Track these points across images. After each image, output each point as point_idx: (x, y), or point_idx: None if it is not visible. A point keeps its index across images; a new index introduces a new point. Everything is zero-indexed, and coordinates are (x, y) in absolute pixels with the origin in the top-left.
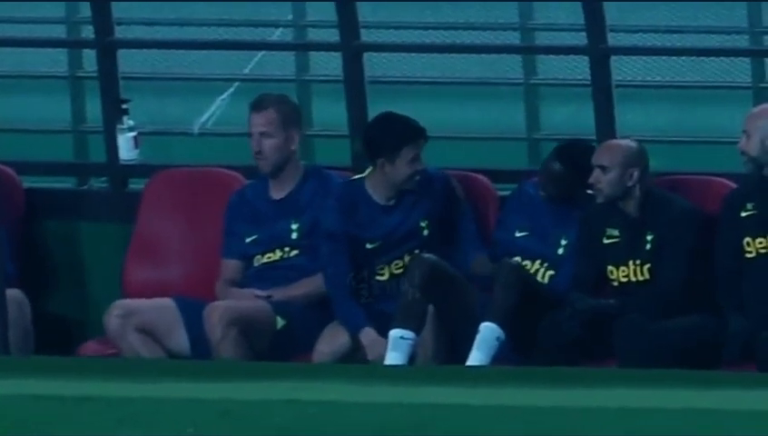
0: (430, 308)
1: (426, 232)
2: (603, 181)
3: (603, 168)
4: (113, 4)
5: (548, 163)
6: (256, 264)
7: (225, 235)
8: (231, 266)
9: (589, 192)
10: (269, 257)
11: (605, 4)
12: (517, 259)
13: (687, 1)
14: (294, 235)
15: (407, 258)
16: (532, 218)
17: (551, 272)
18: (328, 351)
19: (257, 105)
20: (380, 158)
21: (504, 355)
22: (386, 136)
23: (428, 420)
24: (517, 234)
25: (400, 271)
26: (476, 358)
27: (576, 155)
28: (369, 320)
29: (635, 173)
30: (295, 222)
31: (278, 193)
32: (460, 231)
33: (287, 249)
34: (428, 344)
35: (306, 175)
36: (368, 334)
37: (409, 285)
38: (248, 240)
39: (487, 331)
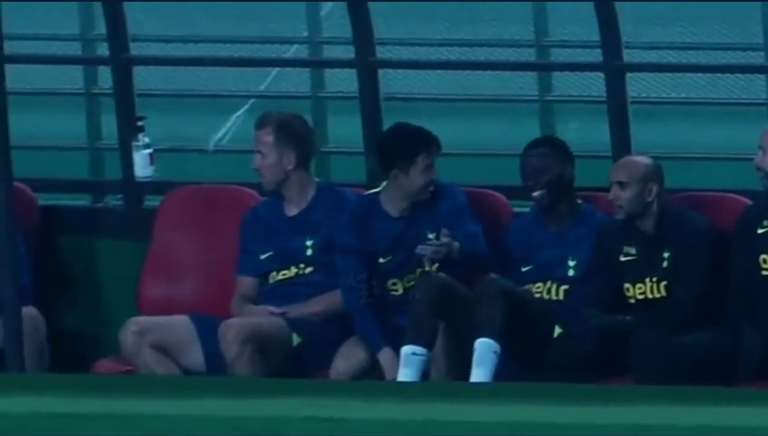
0: (441, 324)
1: None
2: (622, 197)
3: (621, 184)
4: (128, 20)
5: (525, 160)
6: (271, 281)
7: (240, 252)
8: (246, 283)
9: (579, 202)
10: (284, 274)
11: (620, 20)
12: (529, 286)
13: (702, 4)
14: (309, 252)
15: (418, 271)
16: (533, 250)
17: (565, 287)
18: (344, 369)
19: (257, 123)
20: (394, 169)
21: (508, 371)
22: (399, 146)
23: None
24: (523, 269)
25: (412, 283)
26: (478, 375)
27: (544, 141)
28: (386, 335)
29: (654, 189)
30: (310, 239)
31: (291, 209)
32: (464, 235)
33: (302, 266)
34: (441, 360)
35: (320, 192)
36: (386, 354)
37: (419, 301)
38: (263, 257)
39: (483, 347)
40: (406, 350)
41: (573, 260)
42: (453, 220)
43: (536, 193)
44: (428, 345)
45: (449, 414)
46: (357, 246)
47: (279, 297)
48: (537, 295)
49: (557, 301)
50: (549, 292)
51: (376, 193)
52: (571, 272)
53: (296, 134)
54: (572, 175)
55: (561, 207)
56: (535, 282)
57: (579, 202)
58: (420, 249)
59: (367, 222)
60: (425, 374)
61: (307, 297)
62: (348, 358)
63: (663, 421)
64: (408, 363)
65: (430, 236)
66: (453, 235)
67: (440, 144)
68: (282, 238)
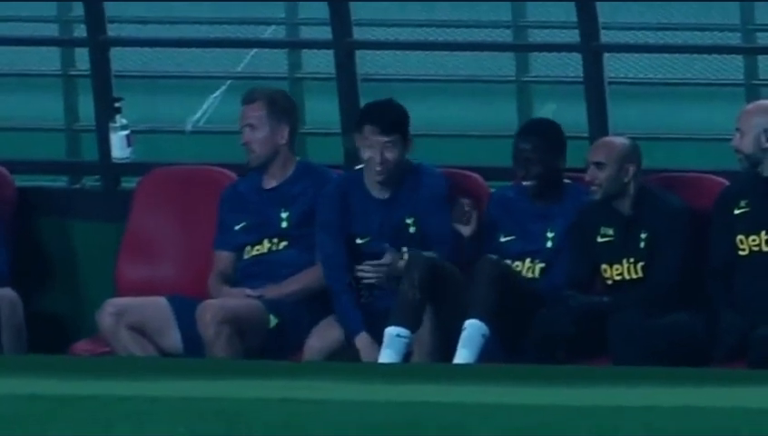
0: (428, 305)
1: (412, 230)
2: (600, 177)
3: (599, 165)
4: (105, 2)
5: (517, 145)
6: (246, 257)
7: (218, 227)
8: (223, 258)
9: (566, 181)
10: (258, 249)
11: (597, 1)
12: (507, 261)
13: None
14: (284, 224)
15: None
16: (515, 221)
17: (542, 266)
18: (318, 347)
19: (246, 98)
20: (355, 133)
21: (491, 352)
22: (359, 113)
23: (421, 418)
24: (502, 239)
25: None
26: (462, 356)
27: (539, 129)
28: (366, 318)
29: (632, 169)
30: (285, 211)
31: (269, 183)
32: (434, 227)
33: (275, 240)
34: (425, 342)
35: (299, 169)
36: (363, 339)
37: (410, 286)
38: (237, 227)
39: (472, 329)
40: (390, 331)
41: (551, 232)
42: (428, 210)
43: (526, 183)
44: (413, 328)
45: (430, 396)
46: (337, 223)
47: (254, 276)
48: None
49: (534, 279)
50: (528, 270)
51: (361, 168)
52: (549, 244)
53: (287, 109)
54: (563, 164)
55: (549, 190)
56: (514, 260)
57: (566, 181)
58: (360, 272)
59: (349, 199)
60: (407, 356)
61: (282, 277)
62: (322, 336)
63: (640, 401)
64: (390, 345)
65: (408, 221)
66: (424, 224)
67: (388, 128)
68: (257, 209)
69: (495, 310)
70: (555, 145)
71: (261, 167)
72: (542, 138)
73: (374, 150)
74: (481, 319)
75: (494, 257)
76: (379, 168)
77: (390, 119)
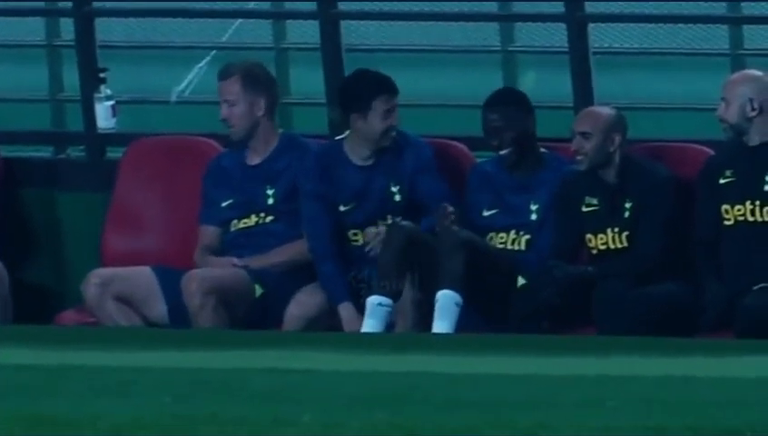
0: (409, 274)
1: (398, 198)
2: (586, 147)
3: (585, 134)
4: None
5: (486, 117)
6: (233, 229)
7: (203, 201)
8: (208, 232)
9: (543, 151)
10: (245, 223)
11: None
12: (492, 235)
13: None
14: (270, 201)
15: (380, 224)
16: (496, 194)
17: (527, 238)
18: (298, 314)
19: (222, 74)
20: (354, 113)
21: (474, 323)
22: (357, 90)
23: (407, 388)
24: (485, 214)
25: None
26: (440, 327)
27: (504, 98)
28: (348, 287)
29: (617, 139)
30: (270, 188)
31: (254, 159)
32: (429, 192)
33: (262, 215)
34: (407, 312)
35: (282, 142)
36: (347, 308)
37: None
38: (224, 204)
39: (445, 299)
40: (372, 300)
41: (535, 204)
42: (416, 175)
43: (502, 152)
44: (395, 296)
45: (416, 366)
46: (320, 192)
47: (240, 247)
48: (501, 245)
49: (520, 251)
50: (513, 242)
51: (341, 139)
52: (533, 217)
53: (262, 81)
54: (533, 128)
55: (526, 160)
56: (498, 233)
57: (542, 150)
58: (368, 237)
59: (331, 168)
60: (390, 325)
61: (269, 247)
62: (302, 304)
63: (626, 371)
64: (373, 314)
65: (393, 189)
66: (414, 191)
67: (397, 89)
68: (243, 186)
69: (464, 278)
70: (521, 111)
71: (243, 141)
72: (508, 106)
73: (392, 117)
74: (452, 288)
75: (454, 227)
76: (394, 133)
77: (393, 82)
